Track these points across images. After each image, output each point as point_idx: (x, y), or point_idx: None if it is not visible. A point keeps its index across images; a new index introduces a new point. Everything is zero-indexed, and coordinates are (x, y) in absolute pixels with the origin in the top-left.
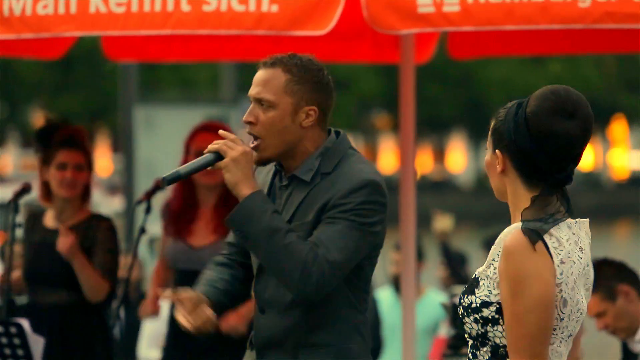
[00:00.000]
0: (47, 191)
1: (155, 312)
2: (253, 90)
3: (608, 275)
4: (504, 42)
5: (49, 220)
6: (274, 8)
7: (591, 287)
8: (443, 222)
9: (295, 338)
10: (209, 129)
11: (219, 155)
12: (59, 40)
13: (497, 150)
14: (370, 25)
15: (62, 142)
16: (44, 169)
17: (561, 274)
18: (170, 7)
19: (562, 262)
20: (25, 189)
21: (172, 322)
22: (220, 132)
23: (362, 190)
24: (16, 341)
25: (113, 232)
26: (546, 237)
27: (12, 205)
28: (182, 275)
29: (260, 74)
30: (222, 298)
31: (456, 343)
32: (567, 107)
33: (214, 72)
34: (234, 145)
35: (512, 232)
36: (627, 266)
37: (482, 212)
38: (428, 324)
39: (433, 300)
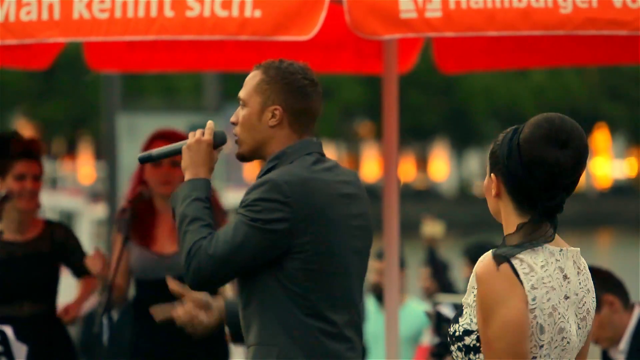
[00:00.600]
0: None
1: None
2: (240, 92)
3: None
4: (489, 54)
5: (7, 233)
6: (257, 13)
7: (588, 317)
8: (433, 228)
9: (245, 335)
10: (164, 137)
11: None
12: (45, 49)
13: (492, 174)
14: (353, 30)
15: (19, 153)
16: None
17: (534, 299)
18: (153, 12)
19: (533, 288)
20: (7, 197)
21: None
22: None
23: (260, 188)
24: (0, 348)
25: (74, 234)
26: (515, 263)
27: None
28: (151, 285)
29: (247, 77)
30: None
31: (440, 351)
32: (560, 135)
33: (197, 81)
34: (195, 133)
35: (482, 259)
36: (613, 275)
37: (465, 220)
38: (410, 332)
39: (414, 309)
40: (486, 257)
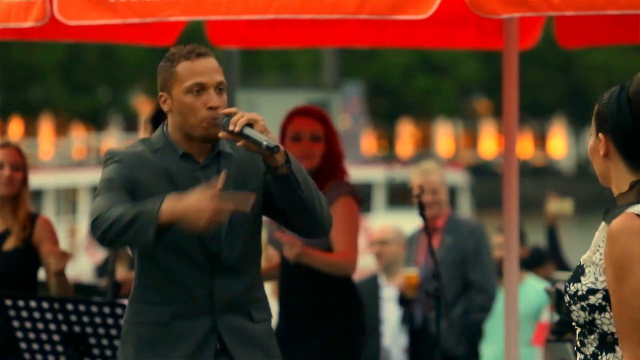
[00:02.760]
0: None
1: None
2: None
3: None
4: (611, 30)
5: None
6: None
7: None
8: (561, 205)
9: (249, 295)
10: (305, 113)
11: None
12: (169, 26)
13: (600, 134)
14: (472, 9)
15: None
16: None
17: None
18: None
19: None
20: None
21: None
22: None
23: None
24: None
25: (52, 227)
26: None
27: None
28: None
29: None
30: None
31: (560, 329)
32: None
33: (316, 57)
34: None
35: (616, 216)
36: None
37: (584, 198)
38: (530, 310)
39: (533, 286)
40: (621, 215)
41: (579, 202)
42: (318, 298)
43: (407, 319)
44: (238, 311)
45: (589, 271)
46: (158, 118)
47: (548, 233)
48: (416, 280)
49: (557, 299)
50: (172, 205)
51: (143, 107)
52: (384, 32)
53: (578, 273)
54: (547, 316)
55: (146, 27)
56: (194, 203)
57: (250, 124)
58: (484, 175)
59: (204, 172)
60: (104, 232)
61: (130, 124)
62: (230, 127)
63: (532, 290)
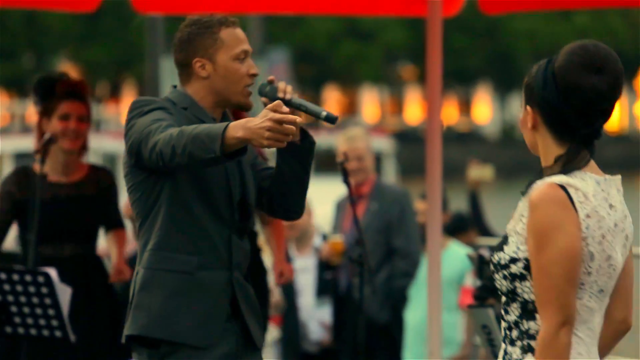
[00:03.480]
0: (45, 144)
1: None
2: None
3: None
4: None
5: (52, 175)
6: None
7: (627, 242)
8: (482, 172)
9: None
10: None
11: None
12: None
13: (527, 107)
14: None
15: (65, 94)
16: (45, 121)
17: (587, 227)
18: None
19: (587, 216)
20: (52, 139)
21: None
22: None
23: None
24: (44, 290)
25: (115, 183)
26: (571, 191)
27: (41, 155)
28: None
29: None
30: None
31: (482, 294)
32: (595, 61)
33: (241, 24)
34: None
35: (538, 186)
36: None
37: (508, 163)
38: (453, 275)
39: (456, 252)
40: (543, 184)
41: (503, 167)
42: None
43: (332, 286)
44: (242, 272)
45: (512, 240)
46: (44, 86)
47: (470, 199)
48: (341, 247)
49: (479, 265)
50: (238, 122)
51: (69, 73)
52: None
53: (502, 242)
54: (470, 281)
55: None
56: (257, 119)
57: None
58: (410, 142)
59: None
60: (172, 148)
61: None
62: (280, 95)
63: (455, 256)
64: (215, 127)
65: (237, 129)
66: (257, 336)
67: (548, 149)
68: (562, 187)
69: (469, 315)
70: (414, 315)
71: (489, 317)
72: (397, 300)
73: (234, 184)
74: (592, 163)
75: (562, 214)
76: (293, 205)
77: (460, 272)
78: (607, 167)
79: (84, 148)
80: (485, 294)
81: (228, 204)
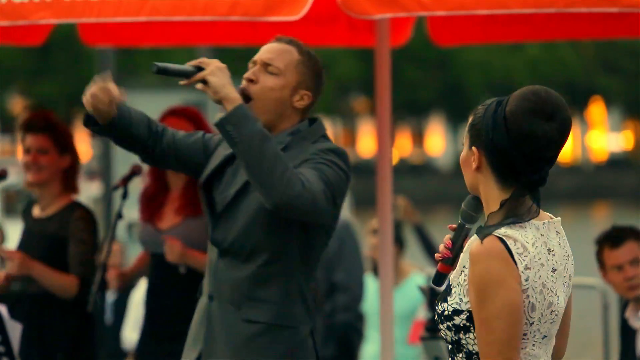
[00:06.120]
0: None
1: (114, 285)
2: (264, 55)
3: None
4: (484, 28)
5: (36, 208)
6: None
7: (570, 282)
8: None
9: (244, 289)
10: (177, 113)
11: (200, 68)
12: (38, 26)
13: (473, 147)
14: (344, 10)
15: (25, 127)
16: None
17: (527, 279)
18: None
19: (527, 268)
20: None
21: (148, 307)
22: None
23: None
24: None
25: (86, 221)
26: (510, 243)
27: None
28: (154, 259)
29: (274, 45)
30: (128, 113)
31: (434, 326)
32: (546, 108)
33: (191, 57)
34: (208, 63)
35: (477, 239)
36: None
37: (461, 195)
38: (408, 308)
39: (417, 282)
40: (480, 237)
41: (456, 199)
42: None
43: None
44: (229, 301)
45: (455, 292)
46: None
47: (416, 233)
48: None
49: (432, 297)
50: None
51: (19, 108)
52: (258, 31)
53: (446, 293)
54: (423, 314)
55: (16, 27)
56: None
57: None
58: (363, 174)
59: None
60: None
61: (6, 126)
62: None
63: (414, 287)
64: None
65: None
66: None
67: (490, 191)
68: (501, 239)
69: (422, 347)
70: (371, 348)
71: (441, 350)
72: (347, 335)
73: None
74: (535, 208)
75: (502, 268)
76: (263, 195)
77: (414, 305)
78: (560, 198)
79: (65, 181)
80: (437, 326)
81: (213, 227)
